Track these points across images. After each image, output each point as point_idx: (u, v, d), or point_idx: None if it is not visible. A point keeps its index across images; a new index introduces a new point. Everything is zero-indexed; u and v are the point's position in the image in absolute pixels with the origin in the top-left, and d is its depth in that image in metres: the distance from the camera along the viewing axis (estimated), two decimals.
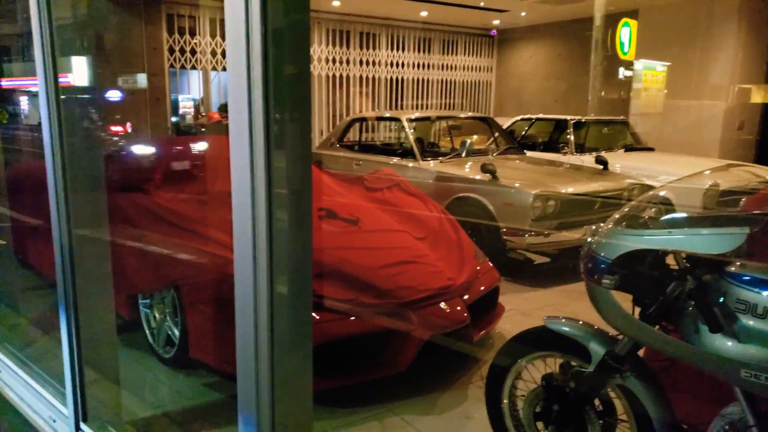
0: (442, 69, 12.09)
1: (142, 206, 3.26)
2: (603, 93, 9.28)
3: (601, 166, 5.65)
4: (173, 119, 9.14)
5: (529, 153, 6.46)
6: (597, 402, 1.99)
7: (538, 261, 5.37)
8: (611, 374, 1.88)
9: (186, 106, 9.55)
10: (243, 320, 1.46)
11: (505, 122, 7.70)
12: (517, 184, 4.86)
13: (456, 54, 12.29)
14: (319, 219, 3.39)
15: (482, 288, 3.31)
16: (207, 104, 9.67)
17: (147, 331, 3.21)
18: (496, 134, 6.54)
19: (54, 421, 2.50)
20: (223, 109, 8.86)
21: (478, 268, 3.42)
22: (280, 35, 1.33)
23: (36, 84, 2.23)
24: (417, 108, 11.67)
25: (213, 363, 2.83)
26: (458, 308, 3.00)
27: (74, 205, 2.22)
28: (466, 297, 3.12)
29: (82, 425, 2.30)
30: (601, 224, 1.92)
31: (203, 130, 8.93)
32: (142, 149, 4.41)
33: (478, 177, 5.07)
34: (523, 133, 7.86)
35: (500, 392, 2.24)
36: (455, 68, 12.31)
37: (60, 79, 2.18)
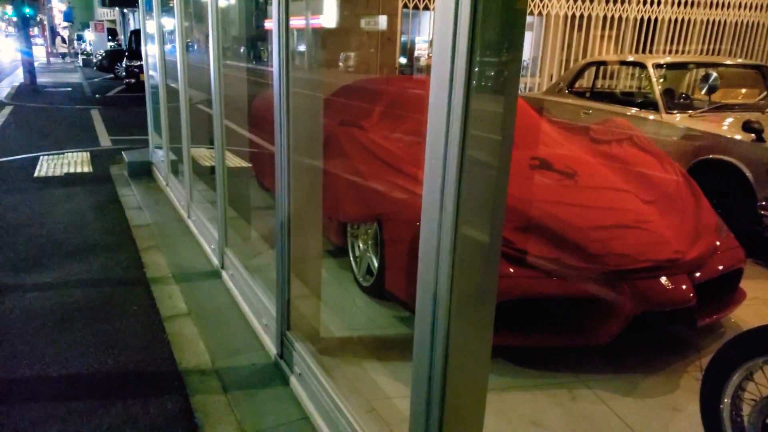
0: (709, 7, 10.27)
1: (359, 141, 3.39)
2: None
3: None
4: (402, 60, 9.36)
5: None
6: None
7: None
8: None
9: (421, 48, 9.65)
10: (425, 263, 1.42)
11: None
12: None
13: None
14: (530, 169, 3.17)
15: (720, 267, 2.80)
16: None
17: (351, 259, 3.40)
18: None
19: (266, 325, 2.80)
20: None
21: (718, 243, 2.88)
22: None
23: (294, 24, 2.38)
24: (671, 54, 10.19)
25: (404, 297, 2.88)
26: (683, 286, 2.57)
27: (295, 136, 2.37)
28: (697, 275, 2.67)
29: (287, 333, 2.53)
30: None
31: (427, 71, 9.00)
32: (365, 87, 4.57)
33: (737, 137, 4.24)
34: None
35: (721, 390, 1.87)
36: (726, 6, 10.36)
37: (312, 21, 2.30)
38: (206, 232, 3.98)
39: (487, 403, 2.34)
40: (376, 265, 3.09)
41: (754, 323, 1.83)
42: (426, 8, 9.33)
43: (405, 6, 9.09)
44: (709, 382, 1.93)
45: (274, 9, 2.30)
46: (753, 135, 4.13)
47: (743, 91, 6.45)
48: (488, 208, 1.36)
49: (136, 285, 3.49)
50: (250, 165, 5.34)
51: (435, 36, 1.31)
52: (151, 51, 6.01)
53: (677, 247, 2.69)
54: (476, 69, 1.24)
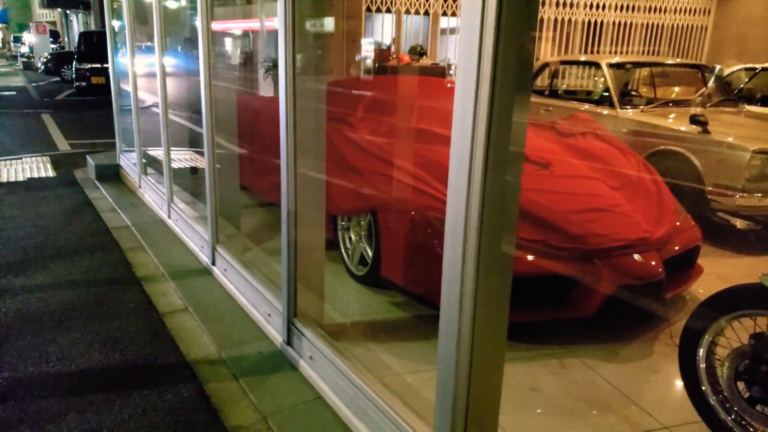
0: (649, 12, 10.93)
1: (347, 137, 3.54)
2: None
3: None
4: (367, 61, 9.45)
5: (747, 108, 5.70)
6: None
7: (741, 227, 4.82)
8: None
9: (367, 49, 9.62)
10: (452, 246, 1.56)
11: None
12: (730, 139, 4.35)
13: None
14: None
15: (681, 245, 3.10)
16: (398, 47, 9.89)
17: (342, 251, 3.54)
18: (709, 84, 5.84)
19: (269, 315, 2.92)
20: (413, 51, 9.03)
21: (678, 223, 3.20)
22: None
23: (232, 27, 2.47)
24: (618, 54, 10.77)
25: (401, 283, 3.06)
26: (653, 262, 2.85)
27: (300, 135, 2.50)
28: (663, 252, 2.96)
29: (294, 320, 2.66)
30: None
31: (390, 72, 9.14)
32: (348, 86, 4.72)
33: (684, 129, 4.63)
34: (742, 85, 6.91)
35: (696, 346, 2.14)
36: (664, 11, 11.05)
37: (266, 23, 2.42)
38: (190, 231, 4.03)
39: None
40: (370, 254, 3.25)
41: (711, 294, 2.10)
42: (388, 11, 9.51)
43: (368, 9, 9.25)
44: (685, 341, 2.19)
45: (279, 14, 2.42)
46: (699, 127, 4.52)
47: (676, 89, 6.93)
48: (508, 195, 1.50)
49: (128, 284, 3.53)
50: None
51: (460, 39, 1.46)
52: (122, 57, 5.95)
53: (646, 227, 2.97)
54: (500, 77, 1.36)
